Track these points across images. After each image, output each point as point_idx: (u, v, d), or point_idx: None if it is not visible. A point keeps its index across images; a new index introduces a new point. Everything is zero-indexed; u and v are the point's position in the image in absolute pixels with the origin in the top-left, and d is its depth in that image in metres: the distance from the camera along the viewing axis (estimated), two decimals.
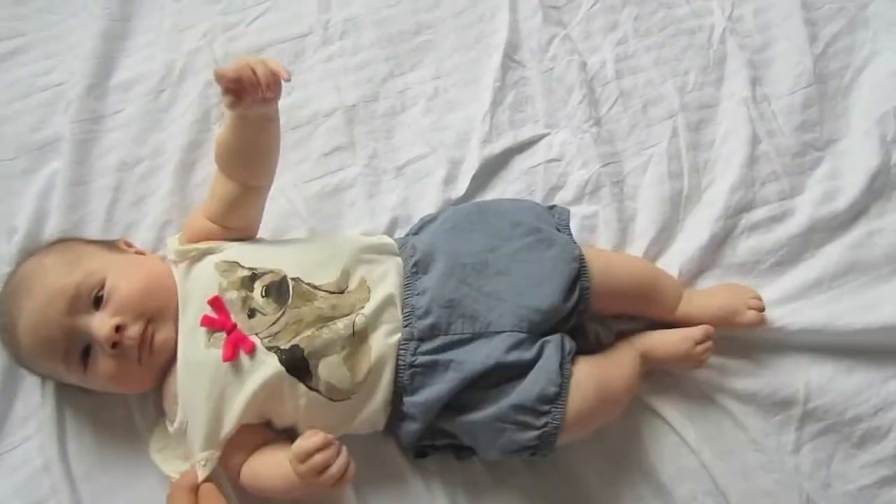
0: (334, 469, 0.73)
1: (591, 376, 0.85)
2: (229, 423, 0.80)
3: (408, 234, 0.93)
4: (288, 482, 0.77)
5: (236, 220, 0.88)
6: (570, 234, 0.92)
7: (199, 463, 0.80)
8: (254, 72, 0.76)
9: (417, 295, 0.84)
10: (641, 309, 0.95)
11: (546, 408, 0.81)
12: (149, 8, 1.09)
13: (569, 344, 0.86)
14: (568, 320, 0.87)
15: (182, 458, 0.83)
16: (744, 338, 0.97)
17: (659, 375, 0.95)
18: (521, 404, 0.81)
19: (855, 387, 0.96)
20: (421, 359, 0.82)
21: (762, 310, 0.94)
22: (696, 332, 0.91)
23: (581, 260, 0.88)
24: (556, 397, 0.81)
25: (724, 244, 1.01)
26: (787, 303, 0.98)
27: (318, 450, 0.73)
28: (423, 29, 1.10)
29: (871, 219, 1.03)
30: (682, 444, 0.93)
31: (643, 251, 1.00)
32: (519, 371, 0.82)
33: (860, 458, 0.94)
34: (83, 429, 0.89)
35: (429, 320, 0.83)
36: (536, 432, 0.81)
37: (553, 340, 0.84)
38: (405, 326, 0.83)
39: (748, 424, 0.94)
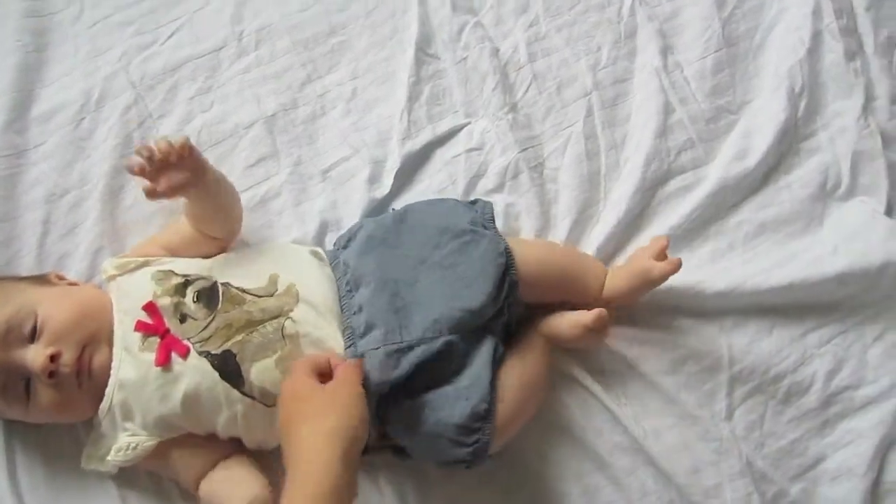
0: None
1: (516, 384, 0.87)
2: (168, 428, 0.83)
3: (336, 248, 0.94)
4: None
5: (194, 253, 0.91)
6: (495, 229, 0.92)
7: (139, 441, 0.83)
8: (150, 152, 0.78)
9: (355, 314, 0.86)
10: (568, 295, 0.95)
11: (477, 425, 0.83)
12: (62, 36, 1.08)
13: (500, 351, 0.88)
14: (501, 315, 0.89)
15: (104, 455, 0.85)
16: (664, 306, 0.98)
17: (588, 353, 0.97)
18: (453, 422, 0.82)
19: (776, 344, 0.98)
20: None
21: (666, 253, 0.93)
22: (587, 318, 0.89)
23: (507, 254, 0.89)
24: (487, 414, 0.83)
25: (640, 217, 1.02)
26: (703, 267, 1.00)
27: None
28: (338, 29, 1.10)
29: (780, 175, 1.05)
30: (618, 420, 0.95)
31: (566, 233, 1.01)
32: (449, 373, 0.84)
33: (787, 413, 0.97)
34: (34, 461, 0.90)
35: (369, 336, 0.84)
36: (469, 449, 0.83)
37: (486, 346, 0.86)
38: (348, 347, 0.85)
39: (681, 399, 0.96)
